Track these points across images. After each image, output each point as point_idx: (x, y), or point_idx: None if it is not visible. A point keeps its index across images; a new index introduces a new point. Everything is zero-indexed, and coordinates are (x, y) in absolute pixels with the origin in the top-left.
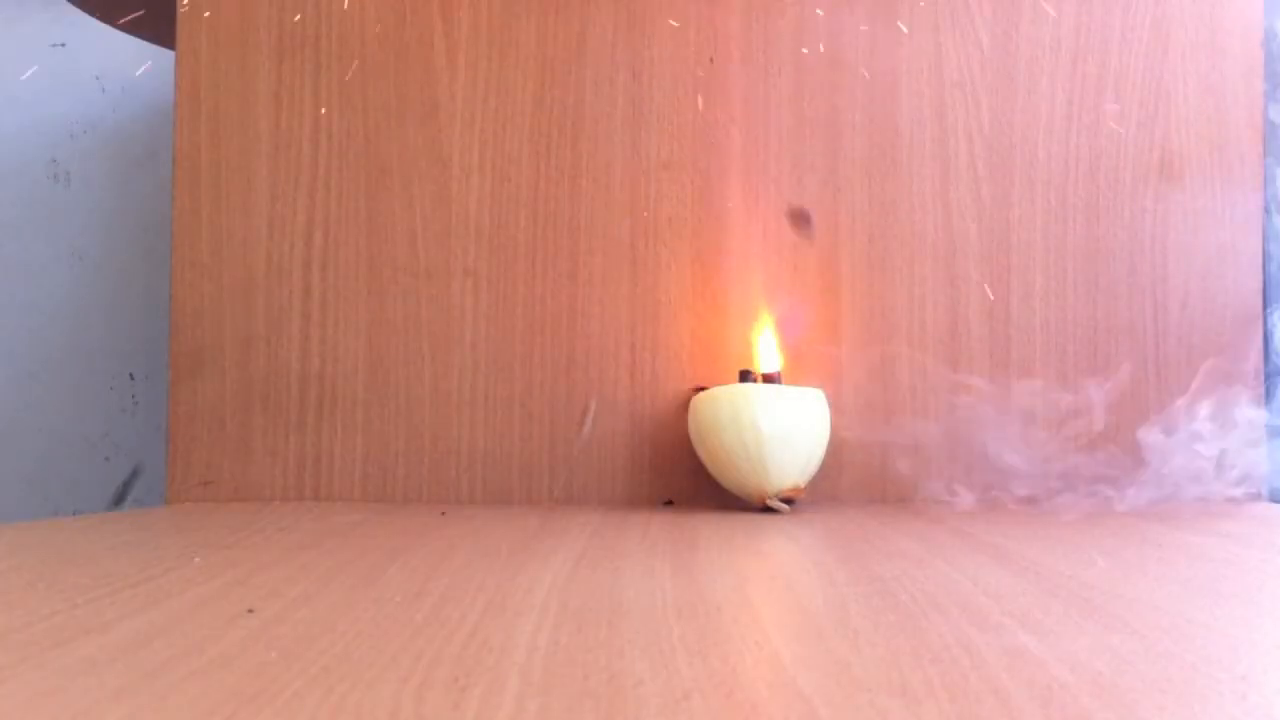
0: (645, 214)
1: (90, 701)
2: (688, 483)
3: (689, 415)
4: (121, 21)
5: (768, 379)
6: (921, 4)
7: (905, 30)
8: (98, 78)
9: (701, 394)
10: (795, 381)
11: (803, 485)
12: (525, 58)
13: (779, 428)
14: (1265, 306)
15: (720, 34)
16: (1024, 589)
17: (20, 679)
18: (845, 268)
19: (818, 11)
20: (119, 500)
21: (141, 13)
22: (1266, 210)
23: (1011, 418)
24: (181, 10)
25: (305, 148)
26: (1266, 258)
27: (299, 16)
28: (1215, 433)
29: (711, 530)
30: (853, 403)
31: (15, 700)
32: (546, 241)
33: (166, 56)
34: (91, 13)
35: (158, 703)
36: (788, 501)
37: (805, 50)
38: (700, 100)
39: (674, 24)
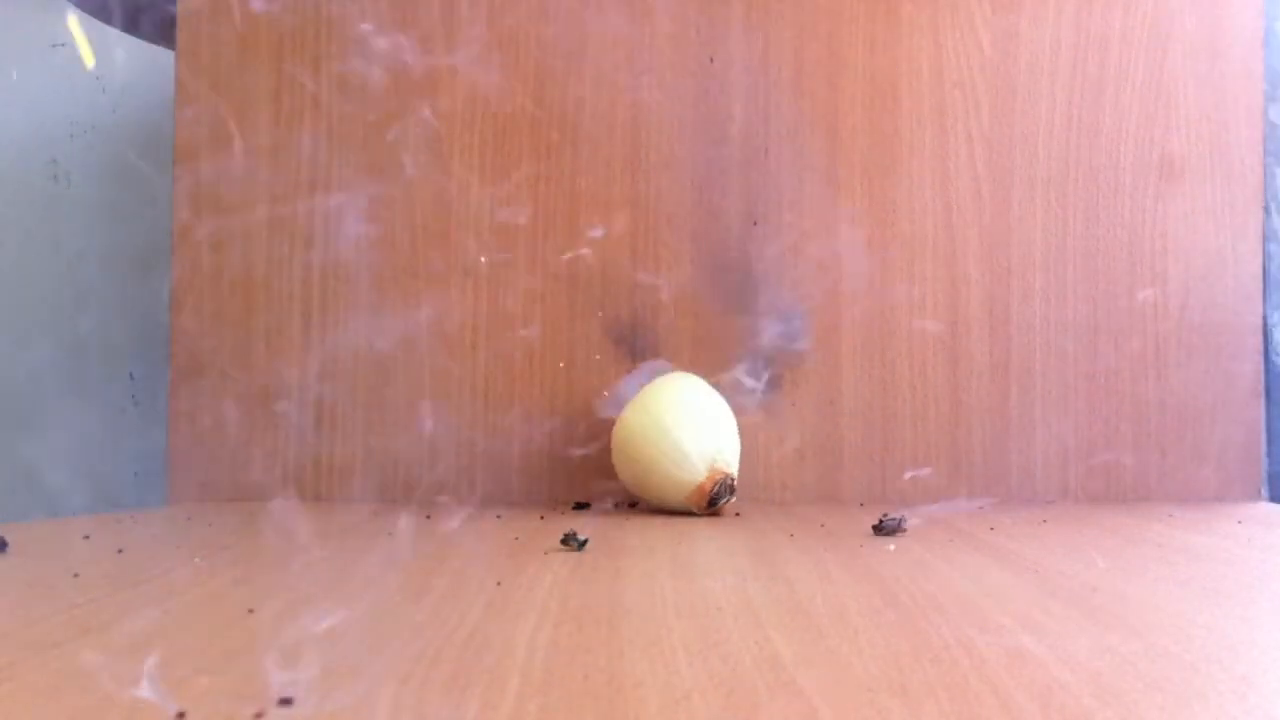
0: (644, 214)
1: (90, 701)
2: None
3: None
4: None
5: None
6: (921, 4)
7: (905, 30)
8: (98, 78)
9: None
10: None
11: (723, 468)
12: (525, 58)
13: (635, 454)
14: (1265, 307)
15: (720, 34)
16: (1024, 589)
17: (20, 679)
18: (845, 268)
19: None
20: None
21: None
22: (1266, 210)
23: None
24: (181, 10)
25: (305, 148)
26: (1266, 258)
27: (299, 16)
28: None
29: (711, 530)
30: (853, 403)
31: (15, 700)
32: (546, 242)
33: (166, 56)
34: (91, 13)
35: (158, 703)
36: (718, 496)
37: (805, 50)
38: (700, 98)
39: (674, 24)
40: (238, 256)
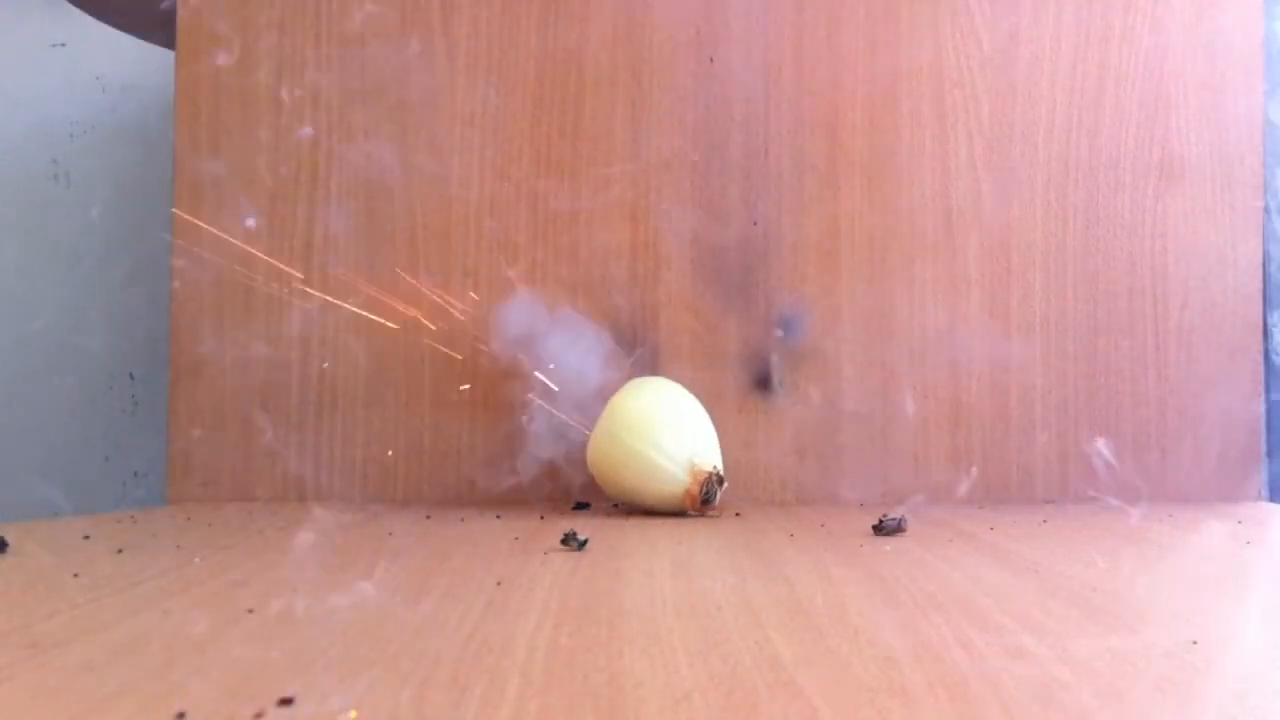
0: (650, 218)
1: (90, 701)
2: None
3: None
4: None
5: None
6: (921, 4)
7: (905, 30)
8: (98, 78)
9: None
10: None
11: (704, 466)
12: (525, 58)
13: (619, 460)
14: (1265, 307)
15: (720, 34)
16: (1024, 589)
17: (20, 679)
18: (845, 268)
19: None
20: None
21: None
22: (1266, 210)
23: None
24: (181, 11)
25: (305, 148)
26: (1266, 258)
27: (298, 15)
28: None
29: (710, 530)
30: (853, 403)
31: (15, 700)
32: (546, 241)
33: (166, 56)
34: (91, 13)
35: (158, 703)
36: (709, 495)
37: (805, 50)
38: (700, 98)
39: (674, 24)
40: (238, 256)
